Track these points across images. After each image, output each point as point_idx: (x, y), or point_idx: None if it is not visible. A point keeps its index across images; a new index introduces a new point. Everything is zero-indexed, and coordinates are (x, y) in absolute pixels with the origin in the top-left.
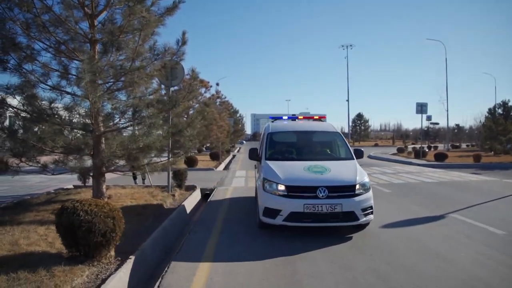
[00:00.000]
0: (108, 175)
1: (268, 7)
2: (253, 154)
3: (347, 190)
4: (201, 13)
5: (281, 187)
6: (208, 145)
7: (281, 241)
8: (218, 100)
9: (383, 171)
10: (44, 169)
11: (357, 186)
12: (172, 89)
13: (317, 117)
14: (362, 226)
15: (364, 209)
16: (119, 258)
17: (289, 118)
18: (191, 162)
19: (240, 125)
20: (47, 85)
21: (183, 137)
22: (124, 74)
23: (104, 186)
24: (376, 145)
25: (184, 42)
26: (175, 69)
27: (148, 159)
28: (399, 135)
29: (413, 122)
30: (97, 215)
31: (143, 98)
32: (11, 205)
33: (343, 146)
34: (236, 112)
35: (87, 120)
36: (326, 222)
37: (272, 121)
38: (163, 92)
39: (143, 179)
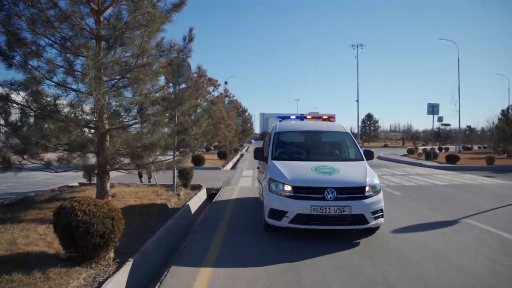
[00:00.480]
0: (113, 173)
1: (277, 6)
2: (258, 154)
3: (356, 191)
4: (210, 12)
5: (288, 188)
6: (216, 143)
7: (286, 245)
8: (227, 99)
9: (393, 172)
10: (47, 166)
11: (367, 188)
12: (180, 86)
13: (326, 117)
14: (371, 230)
15: (374, 212)
16: (118, 260)
17: (297, 117)
18: (198, 161)
19: (248, 124)
20: (52, 81)
21: (188, 135)
22: (129, 71)
23: (108, 184)
24: (385, 146)
25: (191, 39)
26: (181, 67)
27: (153, 158)
28: (409, 136)
29: (423, 123)
30: (96, 215)
31: (149, 95)
32: (14, 202)
33: (353, 146)
34: (245, 111)
35: (93, 118)
36: (334, 225)
37: (280, 121)
38: (171, 90)
39: (149, 178)
